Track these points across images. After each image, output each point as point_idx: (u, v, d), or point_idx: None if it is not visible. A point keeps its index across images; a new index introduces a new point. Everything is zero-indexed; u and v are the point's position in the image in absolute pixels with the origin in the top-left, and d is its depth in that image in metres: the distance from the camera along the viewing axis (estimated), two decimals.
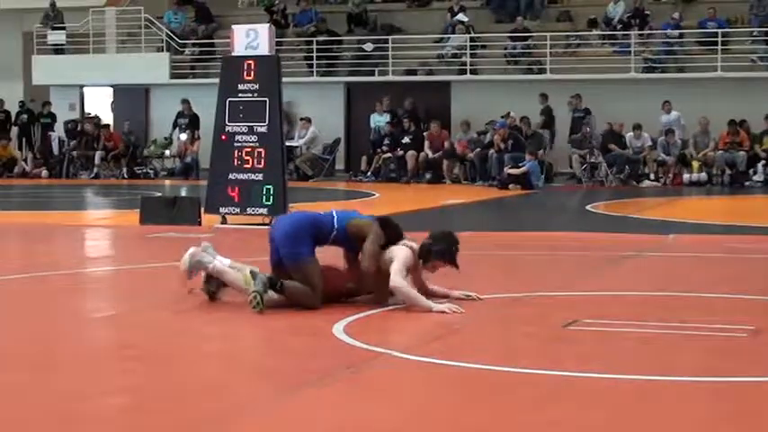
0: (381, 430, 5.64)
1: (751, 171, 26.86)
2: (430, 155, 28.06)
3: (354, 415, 5.92)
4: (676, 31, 30.14)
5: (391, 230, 9.34)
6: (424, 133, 28.77)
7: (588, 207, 19.98)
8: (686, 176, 26.80)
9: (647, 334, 8.06)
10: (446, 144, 28.16)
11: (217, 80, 17.00)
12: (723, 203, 19.57)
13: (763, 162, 26.67)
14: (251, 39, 16.16)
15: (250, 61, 15.94)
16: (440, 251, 9.20)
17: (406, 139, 28.65)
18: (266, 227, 15.62)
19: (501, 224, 17.72)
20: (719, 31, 29.45)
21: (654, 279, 11.29)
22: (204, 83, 29.94)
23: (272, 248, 9.26)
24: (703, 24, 30.23)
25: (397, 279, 8.91)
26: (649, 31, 30.36)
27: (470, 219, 18.95)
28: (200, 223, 15.91)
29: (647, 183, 26.73)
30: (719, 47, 29.09)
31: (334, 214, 9.31)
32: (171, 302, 9.39)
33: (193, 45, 33.58)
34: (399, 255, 9.09)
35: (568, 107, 28.51)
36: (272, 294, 8.82)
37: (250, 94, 15.92)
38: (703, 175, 26.68)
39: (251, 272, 8.91)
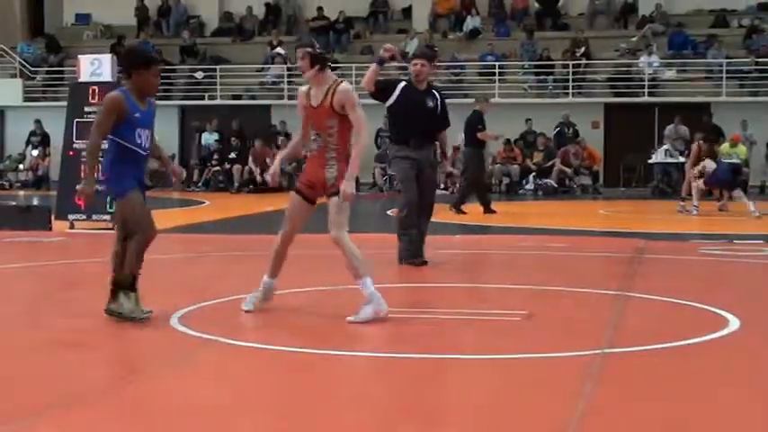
0: (212, 408, 5.58)
1: (523, 181, 27.54)
2: (253, 168, 27.99)
3: (188, 397, 5.85)
4: (461, 63, 30.68)
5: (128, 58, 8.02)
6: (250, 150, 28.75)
7: (388, 212, 20.13)
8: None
9: (435, 319, 8.15)
10: (268, 160, 28.07)
11: (65, 103, 16.65)
12: (503, 207, 19.99)
13: (533, 174, 27.36)
14: (95, 67, 15.94)
15: (95, 87, 15.70)
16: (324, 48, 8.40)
17: (232, 155, 28.58)
18: (111, 231, 15.38)
19: (315, 227, 17.70)
20: (497, 63, 30.09)
21: (442, 272, 11.42)
22: (54, 105, 29.24)
23: None
24: (483, 58, 30.85)
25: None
26: (438, 63, 30.81)
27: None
28: (50, 229, 15.56)
29: (437, 191, 27.05)
30: (497, 77, 29.73)
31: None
32: (24, 299, 9.13)
33: (45, 72, 32.89)
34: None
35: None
36: None
37: (95, 116, 15.64)
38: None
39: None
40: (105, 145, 7.90)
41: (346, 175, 7.89)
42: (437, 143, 11.69)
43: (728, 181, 19.41)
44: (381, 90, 11.32)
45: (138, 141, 7.80)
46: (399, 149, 11.33)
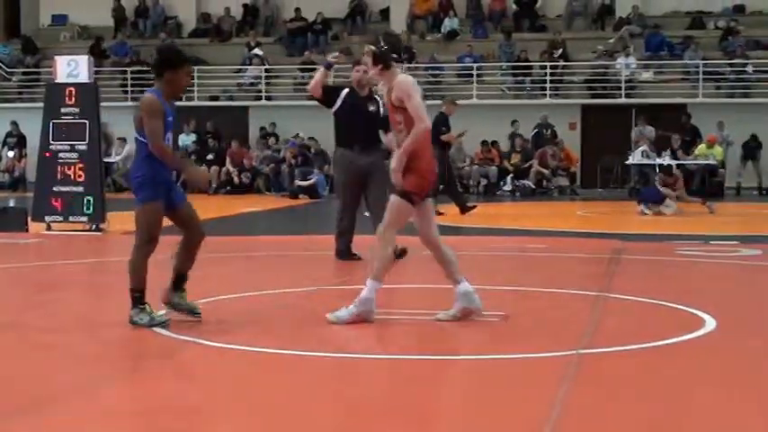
0: (189, 409, 5.57)
1: (501, 182, 27.60)
2: (231, 169, 27.95)
3: (164, 396, 5.84)
4: (439, 65, 30.74)
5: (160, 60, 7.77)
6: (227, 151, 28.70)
7: (366, 213, 20.09)
8: None
9: (414, 320, 8.15)
10: (245, 161, 28.06)
11: (42, 104, 16.57)
12: (480, 209, 20.02)
13: (511, 175, 27.43)
14: (72, 68, 15.86)
15: (71, 88, 15.63)
16: (392, 46, 7.91)
17: (210, 156, 28.52)
18: (88, 233, 15.33)
19: (291, 228, 17.72)
20: (474, 65, 30.14)
21: (420, 274, 11.43)
22: (31, 107, 29.08)
23: None
24: (461, 59, 30.89)
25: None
26: (416, 65, 30.85)
27: (266, 224, 18.91)
28: (27, 230, 15.49)
29: None
30: (475, 78, 29.77)
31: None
32: (1, 301, 9.09)
33: (22, 73, 32.76)
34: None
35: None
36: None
37: (72, 117, 15.61)
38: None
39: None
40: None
41: (396, 152, 7.78)
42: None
43: (655, 198, 19.73)
44: (327, 95, 11.96)
45: (168, 143, 7.72)
46: (343, 154, 11.92)
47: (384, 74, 7.87)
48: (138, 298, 7.73)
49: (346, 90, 12.07)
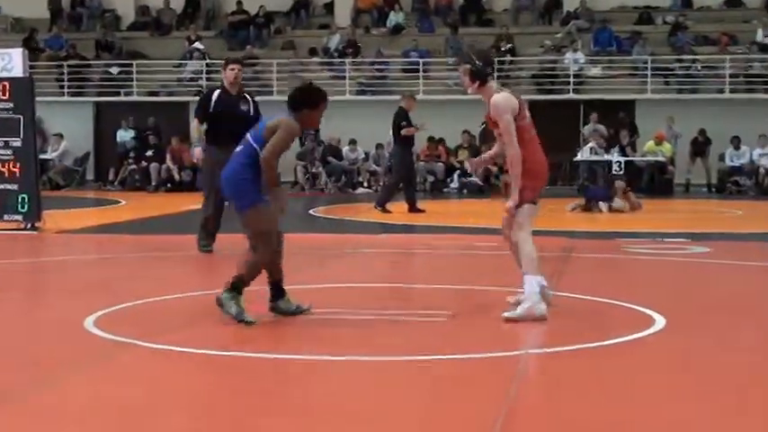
0: (123, 410, 5.51)
1: (448, 179, 27.67)
2: (171, 166, 27.75)
3: (102, 398, 5.78)
4: (385, 59, 30.75)
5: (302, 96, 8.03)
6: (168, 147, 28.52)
7: (311, 211, 20.09)
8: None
9: (361, 320, 8.15)
10: (186, 158, 27.87)
11: None
12: (428, 206, 20.05)
13: (458, 172, 27.49)
14: (6, 62, 15.63)
15: (5, 83, 15.41)
16: (485, 61, 8.41)
17: (149, 153, 28.32)
18: (22, 232, 15.14)
19: (231, 227, 17.59)
20: (421, 60, 30.18)
21: (368, 272, 11.44)
22: None
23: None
24: (407, 54, 30.92)
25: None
26: (361, 59, 30.84)
27: None
28: None
29: (360, 190, 27.11)
30: (421, 73, 29.81)
31: (249, 137, 8.05)
32: None
33: None
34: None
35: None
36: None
37: (5, 112, 15.40)
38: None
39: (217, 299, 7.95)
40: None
41: (511, 187, 8.31)
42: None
43: (604, 195, 20.14)
44: (204, 110, 12.48)
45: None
46: (208, 150, 12.43)
47: (483, 89, 8.27)
48: (239, 286, 7.85)
49: (218, 91, 12.55)
